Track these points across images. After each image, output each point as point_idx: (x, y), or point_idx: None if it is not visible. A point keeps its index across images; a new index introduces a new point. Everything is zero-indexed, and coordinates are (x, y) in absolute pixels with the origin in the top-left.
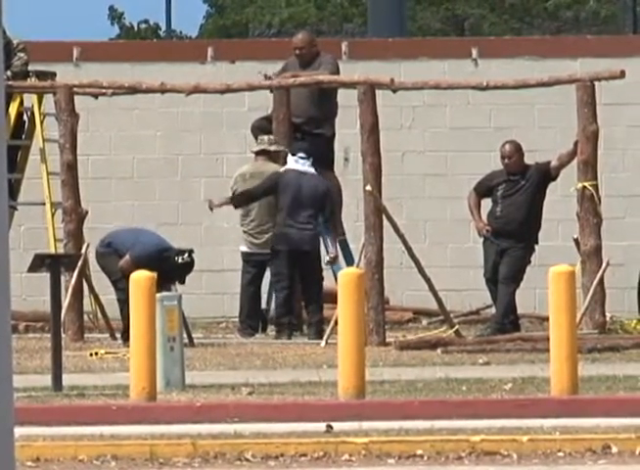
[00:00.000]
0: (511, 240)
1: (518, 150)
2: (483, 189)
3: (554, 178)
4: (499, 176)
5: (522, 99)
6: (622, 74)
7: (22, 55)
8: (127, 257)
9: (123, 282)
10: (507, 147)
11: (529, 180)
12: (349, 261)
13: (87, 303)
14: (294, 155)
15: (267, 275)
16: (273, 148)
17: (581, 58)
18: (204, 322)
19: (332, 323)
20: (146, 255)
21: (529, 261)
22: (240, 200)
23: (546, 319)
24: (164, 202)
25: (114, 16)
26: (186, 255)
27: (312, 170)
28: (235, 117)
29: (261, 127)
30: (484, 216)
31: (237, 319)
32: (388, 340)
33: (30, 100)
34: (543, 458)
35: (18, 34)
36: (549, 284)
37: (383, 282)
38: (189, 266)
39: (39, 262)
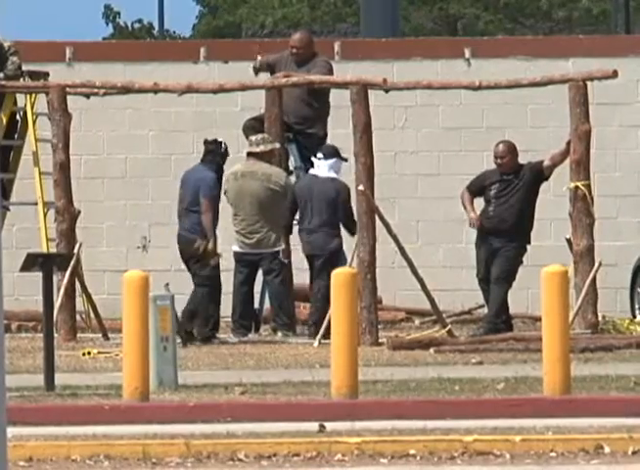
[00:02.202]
0: (503, 240)
1: (511, 150)
2: (477, 188)
3: (546, 178)
4: (492, 176)
5: (514, 99)
6: (615, 74)
7: (14, 59)
8: (202, 200)
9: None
10: (500, 147)
11: (522, 179)
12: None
13: (80, 302)
14: (318, 158)
15: (259, 275)
16: (260, 149)
17: (574, 58)
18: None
19: (325, 323)
20: (214, 184)
21: (522, 261)
22: (287, 226)
23: (539, 319)
24: (157, 201)
25: (109, 14)
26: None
27: (327, 174)
28: (228, 116)
29: (252, 127)
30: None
31: (230, 319)
32: (380, 340)
33: (23, 100)
34: (536, 458)
35: (7, 37)
36: (542, 284)
37: (375, 282)
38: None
39: (32, 262)
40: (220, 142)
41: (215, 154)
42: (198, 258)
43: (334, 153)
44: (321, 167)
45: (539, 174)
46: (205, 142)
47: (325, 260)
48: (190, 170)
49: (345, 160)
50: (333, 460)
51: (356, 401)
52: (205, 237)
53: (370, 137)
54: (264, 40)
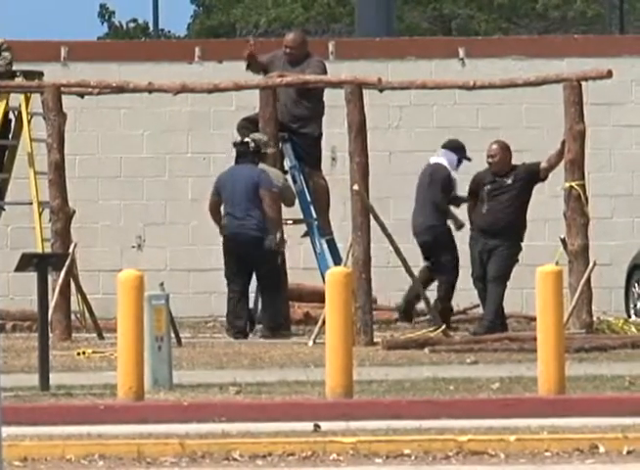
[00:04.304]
0: (497, 239)
1: (503, 149)
2: (476, 192)
3: (543, 179)
4: (485, 176)
5: (509, 99)
6: (609, 74)
7: (6, 54)
8: (268, 193)
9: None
10: (492, 146)
11: (517, 180)
12: (337, 261)
13: (75, 301)
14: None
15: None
16: (267, 150)
17: (568, 57)
18: (191, 322)
19: (319, 322)
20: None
21: (517, 260)
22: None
23: (533, 319)
24: (152, 201)
25: (105, 14)
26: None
27: (433, 160)
28: (222, 116)
29: (246, 127)
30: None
31: (224, 319)
32: (375, 339)
33: (18, 100)
34: (531, 458)
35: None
36: (536, 284)
37: (370, 282)
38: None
39: (27, 262)
40: (247, 142)
41: (247, 154)
42: (266, 255)
43: (451, 146)
44: (434, 155)
45: (535, 175)
46: (235, 144)
47: (434, 246)
48: (232, 172)
49: (469, 159)
50: (328, 460)
51: (351, 401)
52: (268, 231)
53: (364, 137)
54: (258, 39)
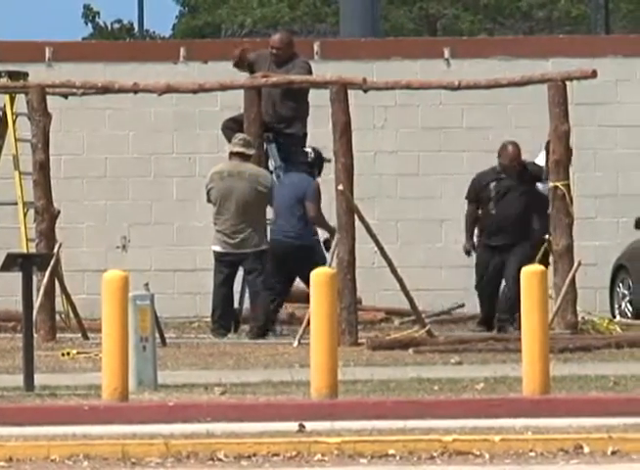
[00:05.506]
0: (511, 237)
1: (519, 150)
2: (475, 195)
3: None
4: (487, 176)
5: (494, 99)
6: (594, 74)
7: None
8: (310, 205)
9: None
10: (509, 148)
11: (524, 181)
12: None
13: (59, 302)
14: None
15: (240, 274)
16: (242, 149)
17: (553, 58)
18: (176, 322)
19: (304, 323)
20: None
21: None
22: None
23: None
24: (137, 201)
25: (89, 14)
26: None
27: None
28: (207, 116)
29: (230, 128)
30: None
31: (209, 319)
32: (360, 340)
33: (2, 100)
34: (515, 458)
35: None
36: (521, 284)
37: (355, 282)
38: None
39: (11, 262)
40: (307, 152)
41: (303, 163)
42: (304, 261)
43: None
44: None
45: (537, 180)
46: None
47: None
48: (286, 180)
49: None
50: (312, 460)
51: (336, 401)
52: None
53: (349, 137)
54: (243, 40)
